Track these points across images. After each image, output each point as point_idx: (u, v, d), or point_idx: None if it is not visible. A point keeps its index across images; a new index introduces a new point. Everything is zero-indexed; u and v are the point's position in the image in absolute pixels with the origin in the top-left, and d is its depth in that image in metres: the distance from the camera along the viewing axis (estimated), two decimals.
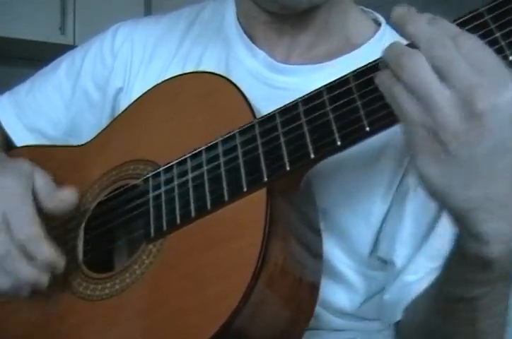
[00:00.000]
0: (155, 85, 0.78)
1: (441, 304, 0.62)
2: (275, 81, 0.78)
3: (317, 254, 0.66)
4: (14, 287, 0.68)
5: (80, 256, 0.73)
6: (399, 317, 0.71)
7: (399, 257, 0.73)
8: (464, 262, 0.55)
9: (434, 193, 0.50)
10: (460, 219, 0.51)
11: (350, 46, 0.79)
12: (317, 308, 0.64)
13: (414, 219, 0.73)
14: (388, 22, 0.82)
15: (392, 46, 0.51)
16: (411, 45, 0.51)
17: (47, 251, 0.67)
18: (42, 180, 0.71)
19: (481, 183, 0.48)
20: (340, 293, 0.79)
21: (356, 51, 0.78)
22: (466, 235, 0.52)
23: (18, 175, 0.71)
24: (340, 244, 0.75)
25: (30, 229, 0.67)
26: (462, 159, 0.48)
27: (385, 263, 0.77)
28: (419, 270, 0.71)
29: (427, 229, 0.72)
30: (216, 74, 0.73)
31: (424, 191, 0.51)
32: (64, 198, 0.71)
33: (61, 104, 0.91)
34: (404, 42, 0.86)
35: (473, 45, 0.48)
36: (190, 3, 0.92)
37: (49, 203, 0.71)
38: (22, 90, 0.94)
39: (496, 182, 0.48)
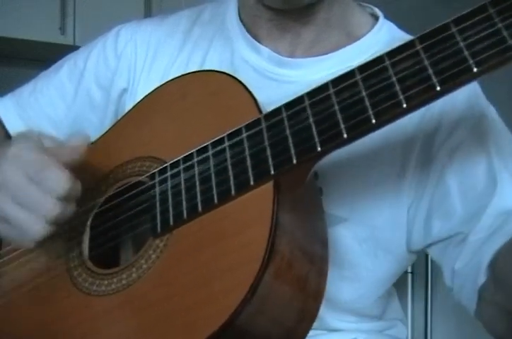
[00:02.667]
0: (162, 84, 0.78)
1: None
2: (282, 75, 0.79)
3: (323, 249, 0.66)
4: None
5: (86, 251, 0.73)
6: (483, 279, 0.69)
7: (462, 226, 0.73)
8: None
9: None
10: None
11: (350, 39, 0.81)
12: (321, 308, 0.64)
13: (462, 188, 0.74)
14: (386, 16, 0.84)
15: None
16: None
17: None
18: (49, 139, 0.70)
19: None
20: (349, 290, 0.79)
21: (356, 43, 0.80)
22: None
23: (26, 141, 0.69)
24: (362, 233, 0.76)
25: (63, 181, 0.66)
26: None
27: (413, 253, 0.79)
28: (484, 229, 0.71)
29: (487, 190, 0.72)
30: (222, 72, 0.73)
31: None
32: (75, 144, 0.69)
33: (63, 105, 0.92)
34: (402, 34, 0.86)
35: None
36: (190, 4, 0.92)
37: (66, 154, 0.69)
38: (24, 91, 0.95)
39: None
